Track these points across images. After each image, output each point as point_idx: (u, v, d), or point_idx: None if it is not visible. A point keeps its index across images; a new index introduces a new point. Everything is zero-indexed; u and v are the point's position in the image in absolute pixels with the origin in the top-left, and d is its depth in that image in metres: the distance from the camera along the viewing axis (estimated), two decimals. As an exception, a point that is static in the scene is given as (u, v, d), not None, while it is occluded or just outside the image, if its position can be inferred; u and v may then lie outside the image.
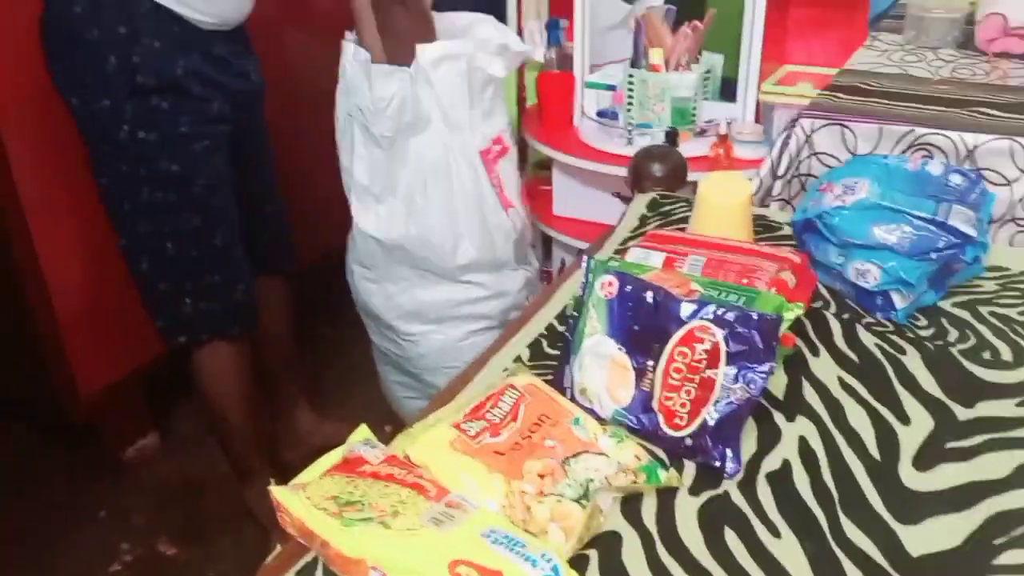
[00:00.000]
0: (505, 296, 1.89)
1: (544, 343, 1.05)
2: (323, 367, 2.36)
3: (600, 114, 2.22)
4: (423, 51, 1.60)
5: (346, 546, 0.69)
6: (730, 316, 0.82)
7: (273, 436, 1.98)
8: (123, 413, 2.09)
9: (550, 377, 0.96)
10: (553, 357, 1.00)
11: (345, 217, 1.80)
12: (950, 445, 0.85)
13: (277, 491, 0.75)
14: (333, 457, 0.79)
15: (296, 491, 0.74)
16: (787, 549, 0.74)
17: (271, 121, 1.77)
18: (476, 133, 1.74)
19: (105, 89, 1.39)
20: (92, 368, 1.91)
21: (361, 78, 1.61)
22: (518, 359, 1.01)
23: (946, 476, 0.82)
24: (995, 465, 0.82)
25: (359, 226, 1.77)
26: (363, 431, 0.84)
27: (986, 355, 0.98)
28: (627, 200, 1.43)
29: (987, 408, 0.90)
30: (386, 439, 0.84)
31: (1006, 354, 0.98)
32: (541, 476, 0.78)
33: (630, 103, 2.11)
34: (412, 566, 0.66)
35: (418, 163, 1.70)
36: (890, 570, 0.72)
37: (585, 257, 0.95)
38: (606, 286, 0.90)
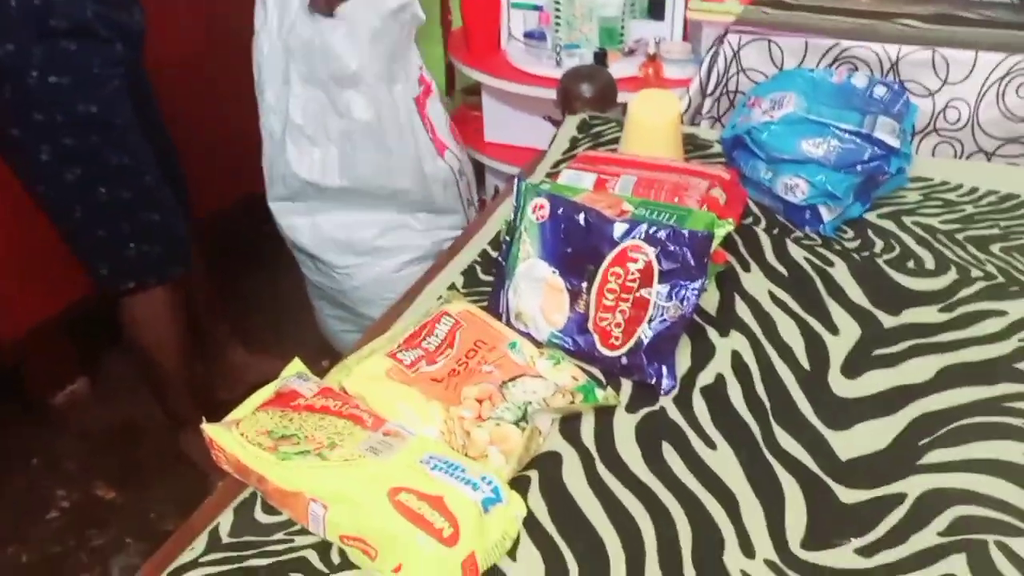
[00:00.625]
0: (442, 229, 1.86)
1: (479, 269, 1.04)
2: (254, 306, 2.31)
3: (527, 35, 2.17)
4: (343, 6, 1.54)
5: (283, 480, 0.68)
6: (662, 234, 0.82)
7: (207, 378, 1.95)
8: (49, 358, 2.02)
9: (485, 303, 0.95)
10: (488, 283, 0.99)
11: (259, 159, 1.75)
12: (877, 352, 0.88)
13: (210, 429, 0.73)
14: (266, 392, 0.78)
15: (229, 428, 0.73)
16: (722, 460, 0.76)
17: (177, 65, 1.69)
18: (409, 81, 1.69)
19: (8, 33, 1.31)
20: (15, 312, 1.84)
21: (303, 19, 1.55)
22: (453, 286, 1.00)
23: (873, 382, 0.84)
24: (919, 370, 0.85)
25: (292, 168, 1.72)
26: (296, 365, 0.82)
27: (910, 264, 1.00)
28: (558, 124, 1.42)
29: (912, 315, 0.92)
30: (324, 374, 0.83)
31: (929, 262, 1.00)
32: (479, 401, 0.77)
33: (557, 23, 2.07)
34: (351, 496, 0.65)
35: (349, 116, 1.65)
36: (821, 475, 0.74)
37: (516, 181, 0.94)
38: (538, 209, 0.89)
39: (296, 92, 1.65)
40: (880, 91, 1.08)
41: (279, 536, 0.69)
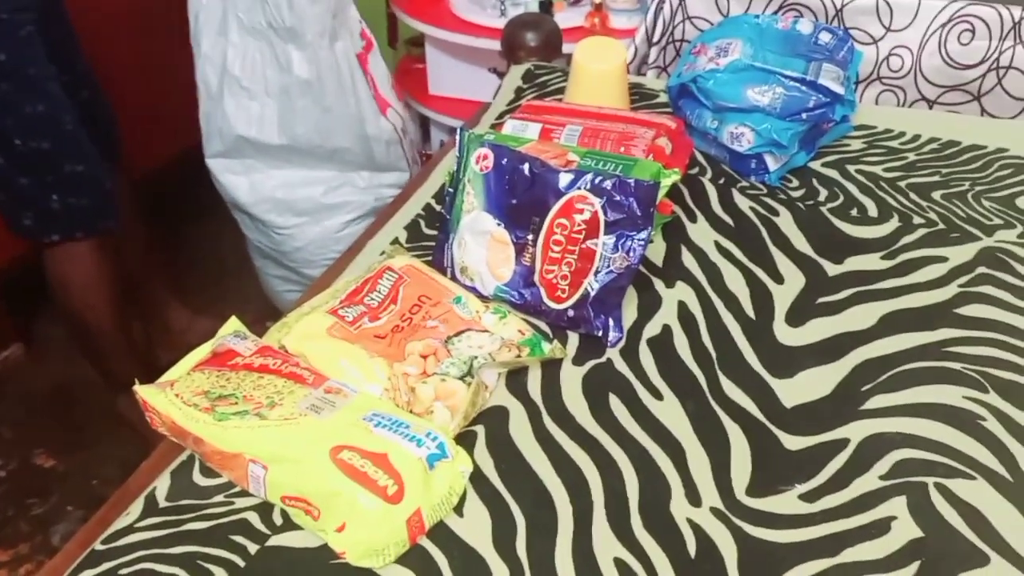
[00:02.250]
0: (384, 188, 1.83)
1: (422, 224, 1.01)
2: (195, 267, 2.26)
3: (471, -15, 2.12)
4: None
5: (221, 441, 0.66)
6: (607, 184, 0.81)
7: (145, 339, 1.90)
8: (-19, 324, 1.96)
9: (429, 258, 0.93)
10: (432, 237, 0.97)
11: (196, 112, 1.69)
12: (820, 300, 0.88)
13: (143, 390, 0.71)
14: (201, 352, 0.75)
15: (163, 389, 0.70)
16: (669, 410, 0.76)
17: (111, 15, 1.61)
18: (352, 38, 1.64)
19: None
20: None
21: None
22: (396, 241, 0.98)
23: (817, 330, 0.85)
24: (862, 317, 0.86)
25: (230, 122, 1.66)
26: (233, 323, 0.80)
27: (854, 212, 1.01)
28: (504, 76, 1.39)
29: (855, 263, 0.93)
30: (266, 334, 0.81)
31: (872, 210, 1.01)
32: (423, 357, 0.76)
33: (502, -28, 2.02)
34: (291, 455, 0.64)
35: (289, 71, 1.60)
36: (766, 422, 0.75)
37: (459, 130, 0.91)
38: (481, 159, 0.87)
39: (234, 41, 1.59)
40: (825, 37, 1.07)
41: (218, 499, 0.68)
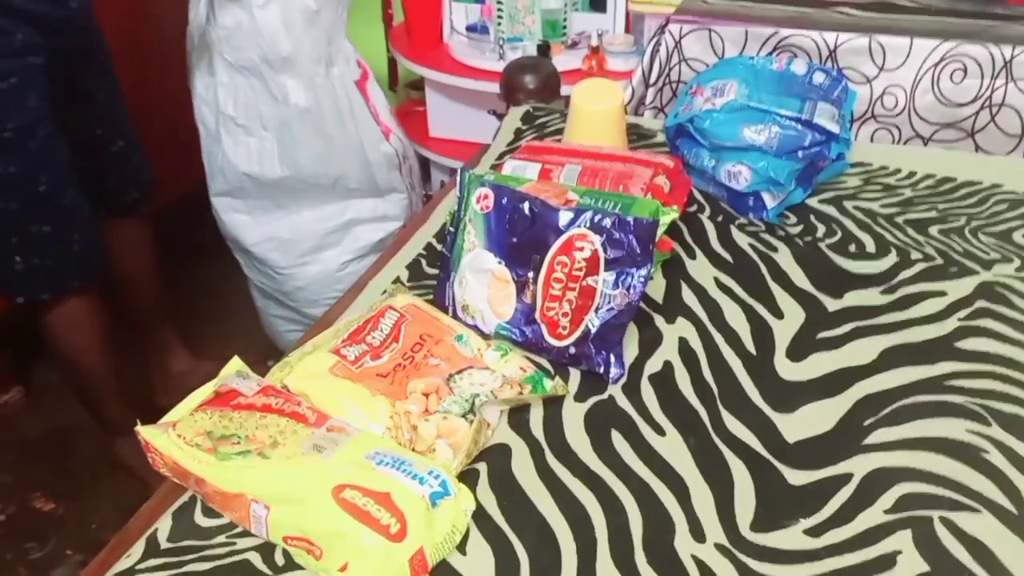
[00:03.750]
0: (386, 221, 1.84)
1: (424, 263, 1.02)
2: (198, 307, 2.26)
3: (470, 29, 2.16)
4: None
5: (223, 481, 0.65)
6: (607, 222, 0.81)
7: (147, 382, 1.90)
8: (-19, 368, 1.96)
9: (431, 297, 0.94)
10: (433, 276, 0.98)
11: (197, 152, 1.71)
12: (821, 335, 0.88)
13: (145, 431, 0.71)
14: (204, 392, 0.75)
15: (165, 430, 0.70)
16: (672, 446, 0.76)
17: (119, 53, 1.63)
18: (348, 64, 1.66)
19: None
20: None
21: (223, 5, 1.51)
22: (397, 280, 0.99)
23: (818, 365, 0.85)
24: (862, 351, 0.86)
25: (230, 159, 1.68)
26: (235, 363, 0.80)
27: (852, 248, 1.01)
28: (503, 117, 1.41)
29: (854, 298, 0.93)
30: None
31: (870, 245, 1.02)
32: (425, 395, 0.76)
33: (500, 16, 2.06)
34: (294, 495, 0.63)
35: (286, 102, 1.62)
36: (768, 457, 0.75)
37: (459, 171, 0.92)
38: (482, 199, 0.88)
39: (223, 81, 1.61)
40: (819, 78, 1.09)
41: (220, 539, 0.67)
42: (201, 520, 0.69)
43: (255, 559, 0.66)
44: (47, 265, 1.45)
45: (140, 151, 1.66)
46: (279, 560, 0.66)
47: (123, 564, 0.66)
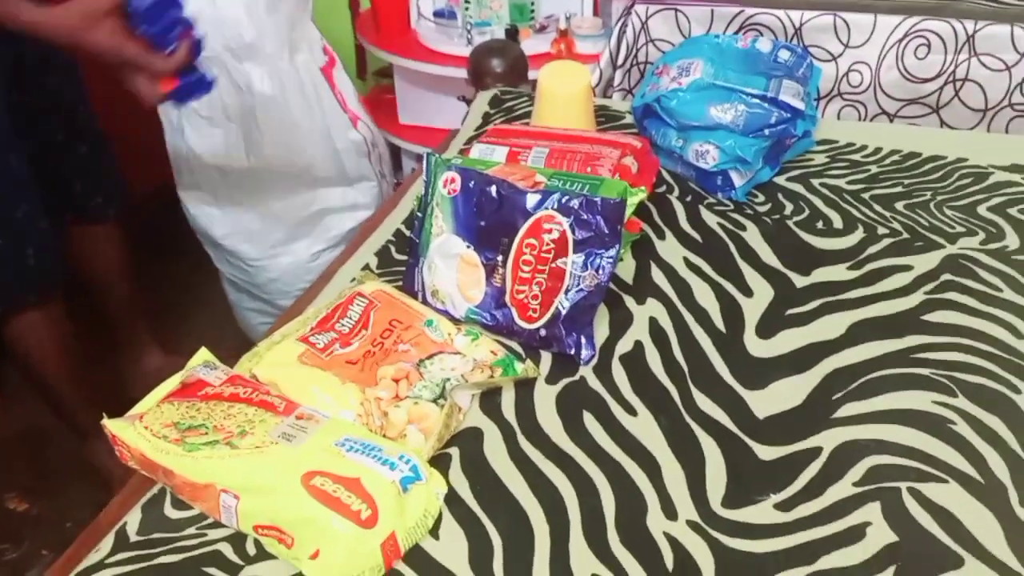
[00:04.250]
0: (356, 210, 1.83)
1: (392, 249, 1.02)
2: (170, 303, 2.23)
3: (437, 14, 2.14)
4: None
5: (191, 472, 0.65)
6: (575, 203, 0.81)
7: (119, 380, 1.88)
8: (-51, 368, 1.92)
9: (400, 283, 0.93)
10: (402, 262, 0.97)
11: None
12: (789, 312, 0.89)
13: (112, 424, 0.70)
14: (171, 384, 0.74)
15: (132, 422, 0.69)
16: (643, 425, 0.76)
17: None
18: (312, 51, 1.64)
19: None
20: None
21: None
22: (366, 267, 0.98)
23: (787, 341, 0.85)
24: (831, 327, 0.87)
25: (195, 152, 1.66)
26: (203, 354, 0.79)
27: (819, 224, 1.02)
28: (471, 103, 1.40)
29: (822, 274, 0.94)
30: (238, 366, 0.80)
31: (837, 222, 1.02)
32: (396, 380, 0.76)
33: (467, 1, 2.05)
34: (263, 484, 0.63)
35: (250, 91, 1.59)
36: (739, 433, 0.75)
37: (426, 155, 0.92)
38: (449, 183, 0.88)
39: None
40: (784, 55, 1.09)
41: (190, 531, 0.67)
42: (171, 512, 0.69)
43: (226, 550, 0.65)
44: (3, 277, 1.42)
45: (107, 155, 1.62)
46: (251, 550, 0.65)
47: (93, 558, 0.65)
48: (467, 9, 2.06)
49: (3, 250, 1.39)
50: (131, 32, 1.01)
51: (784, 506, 0.68)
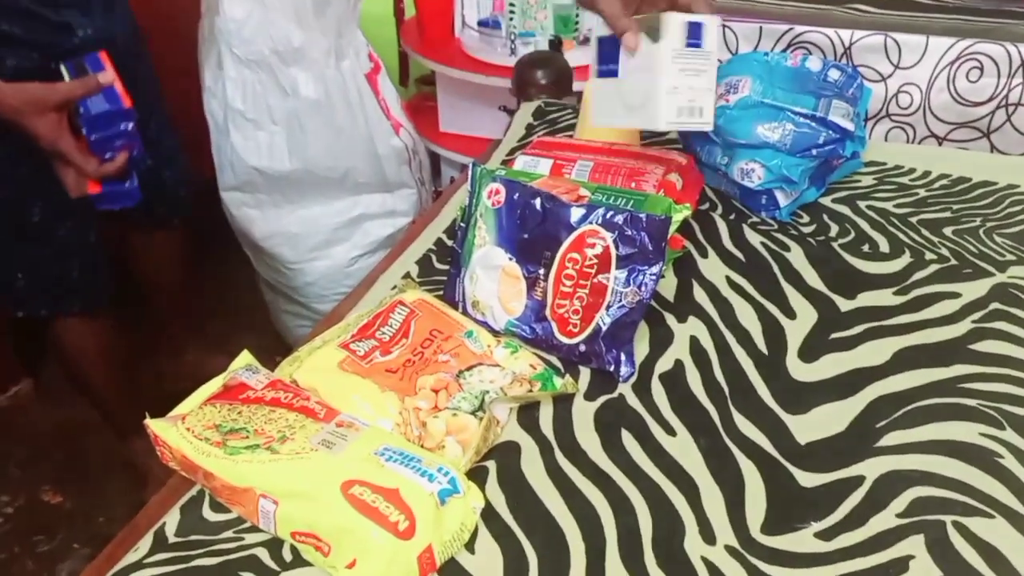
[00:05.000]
0: (395, 216, 1.84)
1: (434, 258, 1.02)
2: (209, 301, 2.26)
3: (481, 24, 2.15)
4: None
5: (232, 475, 0.65)
6: (619, 219, 0.81)
7: (160, 373, 1.90)
8: (-9, 360, 1.96)
9: (441, 292, 0.93)
10: (443, 272, 0.98)
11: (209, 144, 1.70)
12: (833, 336, 0.88)
13: (154, 424, 0.70)
14: (213, 385, 0.75)
15: (174, 423, 0.70)
16: (682, 446, 0.75)
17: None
18: (358, 58, 1.66)
19: None
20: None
21: None
22: (407, 275, 0.98)
23: (830, 365, 0.84)
24: (875, 352, 0.85)
25: (239, 154, 1.67)
26: (245, 357, 0.79)
27: (865, 248, 1.00)
28: (514, 114, 1.40)
29: (867, 298, 0.92)
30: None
31: (884, 246, 1.01)
32: (435, 391, 0.76)
33: (512, 11, 2.05)
34: (303, 490, 0.63)
35: (296, 95, 1.61)
36: (779, 458, 0.74)
37: (471, 165, 0.92)
38: (493, 194, 0.88)
39: (231, 75, 1.61)
40: (834, 75, 1.07)
41: (228, 534, 0.67)
42: (209, 515, 0.69)
43: (263, 555, 0.65)
44: (48, 287, 1.45)
45: (172, 168, 1.63)
46: (287, 556, 0.65)
47: (131, 558, 0.66)
48: (511, 19, 2.06)
49: (49, 261, 1.42)
50: (76, 129, 1.04)
51: (825, 535, 0.67)
